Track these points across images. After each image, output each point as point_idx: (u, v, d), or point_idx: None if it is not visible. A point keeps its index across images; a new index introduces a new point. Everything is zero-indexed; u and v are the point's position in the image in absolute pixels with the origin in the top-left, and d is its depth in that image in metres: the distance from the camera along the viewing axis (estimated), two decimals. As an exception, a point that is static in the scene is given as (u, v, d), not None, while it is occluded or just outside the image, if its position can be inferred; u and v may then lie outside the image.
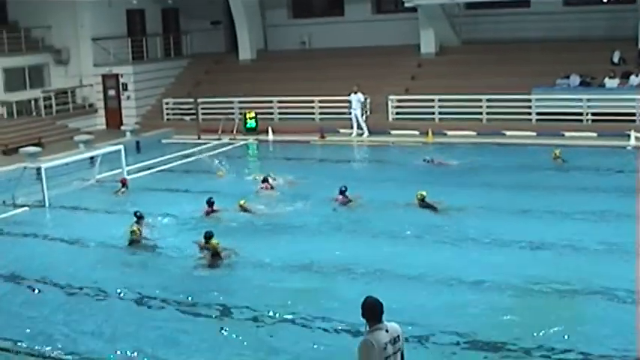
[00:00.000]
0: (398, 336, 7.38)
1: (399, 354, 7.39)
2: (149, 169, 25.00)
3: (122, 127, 32.78)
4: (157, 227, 16.41)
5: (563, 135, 25.34)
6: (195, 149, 28.71)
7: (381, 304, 7.22)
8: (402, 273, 12.02)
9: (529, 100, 26.81)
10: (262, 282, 12.22)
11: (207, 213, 16.70)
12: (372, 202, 17.12)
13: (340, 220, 15.70)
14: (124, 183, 21.18)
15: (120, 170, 22.89)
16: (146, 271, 13.73)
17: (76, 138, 29.85)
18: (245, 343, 10.05)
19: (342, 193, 16.92)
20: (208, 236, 13.47)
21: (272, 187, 18.87)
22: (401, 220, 15.18)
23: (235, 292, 11.84)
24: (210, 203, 16.76)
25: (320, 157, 25.26)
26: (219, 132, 31.34)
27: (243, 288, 11.99)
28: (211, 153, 27.74)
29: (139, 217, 16.18)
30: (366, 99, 28.70)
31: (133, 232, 15.05)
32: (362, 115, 28.51)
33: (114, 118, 36.09)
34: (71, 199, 20.90)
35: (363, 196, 17.51)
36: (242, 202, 16.94)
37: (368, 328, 7.20)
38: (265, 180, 19.11)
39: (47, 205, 19.73)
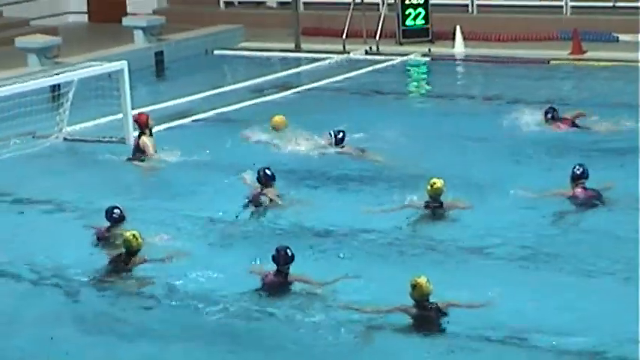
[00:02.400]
0: None
1: None
2: (182, 116, 18.84)
3: (125, 21, 24.41)
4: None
5: None
6: (289, 72, 21.96)
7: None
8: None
9: None
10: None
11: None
12: None
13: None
14: (141, 123, 16.18)
15: (119, 115, 17.47)
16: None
17: (21, 42, 22.25)
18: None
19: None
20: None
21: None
22: None
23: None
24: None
25: (580, 98, 18.98)
26: (344, 34, 23.19)
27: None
28: (325, 82, 20.80)
29: (116, 220, 12.83)
30: None
31: (127, 239, 12.15)
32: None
33: (106, 1, 27.82)
34: (7, 180, 15.70)
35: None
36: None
37: None
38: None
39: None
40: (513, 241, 12.47)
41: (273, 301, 11.24)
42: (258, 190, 14.25)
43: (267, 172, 14.54)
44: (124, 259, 12.11)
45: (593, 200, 13.70)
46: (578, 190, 13.68)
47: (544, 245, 12.62)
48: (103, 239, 13.19)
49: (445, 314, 10.09)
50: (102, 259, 12.92)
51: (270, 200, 14.07)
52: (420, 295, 9.88)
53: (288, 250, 11.44)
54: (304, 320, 10.71)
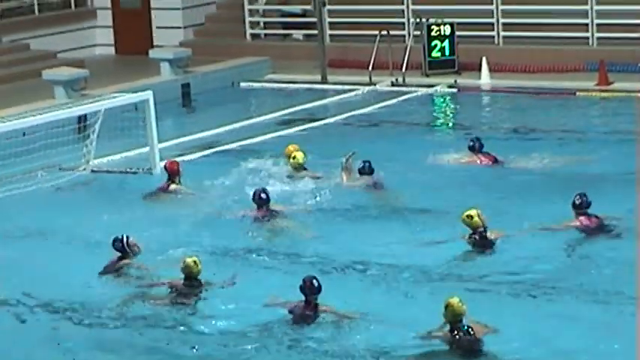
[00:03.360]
0: None
1: None
2: (209, 147, 19.13)
3: (152, 53, 24.47)
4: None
5: None
6: (313, 104, 21.86)
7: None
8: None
9: None
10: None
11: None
12: None
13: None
14: (172, 172, 16.21)
15: (145, 148, 17.71)
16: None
17: (48, 74, 22.14)
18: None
19: None
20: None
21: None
22: None
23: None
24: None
25: (605, 129, 19.15)
26: (370, 66, 23.08)
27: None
28: (350, 113, 20.84)
29: (124, 249, 12.97)
30: None
31: (188, 265, 11.95)
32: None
33: (133, 33, 27.62)
34: (32, 212, 15.55)
35: None
36: None
37: None
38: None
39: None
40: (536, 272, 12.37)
41: (303, 332, 11.09)
42: (255, 211, 14.32)
43: (262, 195, 14.54)
44: (186, 285, 12.02)
45: (599, 227, 13.71)
46: (582, 219, 13.63)
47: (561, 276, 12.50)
48: (112, 271, 13.00)
49: (479, 340, 9.98)
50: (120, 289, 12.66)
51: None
52: (452, 316, 9.87)
53: (314, 281, 11.29)
54: (336, 349, 10.58)
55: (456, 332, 10.00)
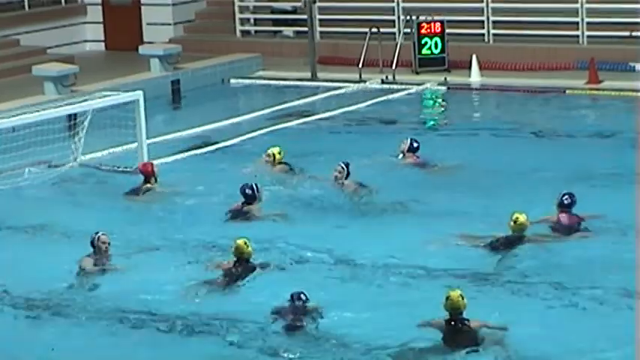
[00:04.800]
0: None
1: None
2: (200, 146, 18.74)
3: (141, 49, 24.30)
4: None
5: None
6: (303, 101, 21.67)
7: None
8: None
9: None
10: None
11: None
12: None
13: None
14: (147, 173, 16.20)
15: (133, 144, 17.74)
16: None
17: (38, 70, 21.99)
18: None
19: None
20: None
21: None
22: None
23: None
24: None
25: (595, 128, 19.05)
26: (361, 63, 22.82)
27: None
28: (340, 111, 20.60)
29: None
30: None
31: (239, 246, 12.11)
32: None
33: (123, 29, 27.41)
34: (19, 207, 15.73)
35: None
36: None
37: None
38: None
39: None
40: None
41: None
42: (240, 205, 14.38)
43: (247, 191, 14.49)
44: (236, 267, 12.01)
45: (576, 225, 13.71)
46: (562, 216, 13.75)
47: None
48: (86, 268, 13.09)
49: (476, 332, 10.26)
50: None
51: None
52: (451, 308, 10.20)
53: (302, 295, 11.26)
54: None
55: (451, 322, 10.26)
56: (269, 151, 17.12)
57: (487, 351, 10.55)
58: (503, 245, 13.40)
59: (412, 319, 11.13)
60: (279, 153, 16.92)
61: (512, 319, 11.05)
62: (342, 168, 15.97)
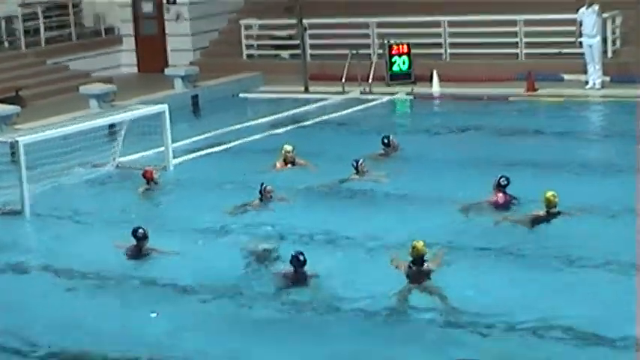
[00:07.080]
0: None
1: None
2: (214, 145, 19.95)
3: (167, 71, 25.97)
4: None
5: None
6: (298, 110, 23.08)
7: None
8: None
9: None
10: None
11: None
12: None
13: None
14: (148, 177, 17.09)
15: (161, 148, 18.55)
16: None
17: (84, 89, 23.45)
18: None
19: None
20: None
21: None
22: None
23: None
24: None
25: (533, 127, 20.24)
26: (344, 79, 24.56)
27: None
28: (327, 116, 22.24)
29: (140, 238, 13.48)
30: (606, 18, 23.86)
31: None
32: (601, 48, 23.24)
33: (152, 55, 29.13)
34: (69, 200, 16.71)
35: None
36: None
37: None
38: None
39: (26, 211, 15.85)
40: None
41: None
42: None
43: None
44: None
45: (511, 203, 14.55)
46: (500, 195, 14.50)
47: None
48: (132, 255, 13.37)
49: (428, 270, 11.38)
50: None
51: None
52: (416, 255, 11.41)
53: (301, 256, 11.79)
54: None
55: (413, 265, 11.43)
56: (286, 147, 17.39)
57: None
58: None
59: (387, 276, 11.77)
60: (293, 150, 17.29)
61: (479, 282, 11.73)
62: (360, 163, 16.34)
